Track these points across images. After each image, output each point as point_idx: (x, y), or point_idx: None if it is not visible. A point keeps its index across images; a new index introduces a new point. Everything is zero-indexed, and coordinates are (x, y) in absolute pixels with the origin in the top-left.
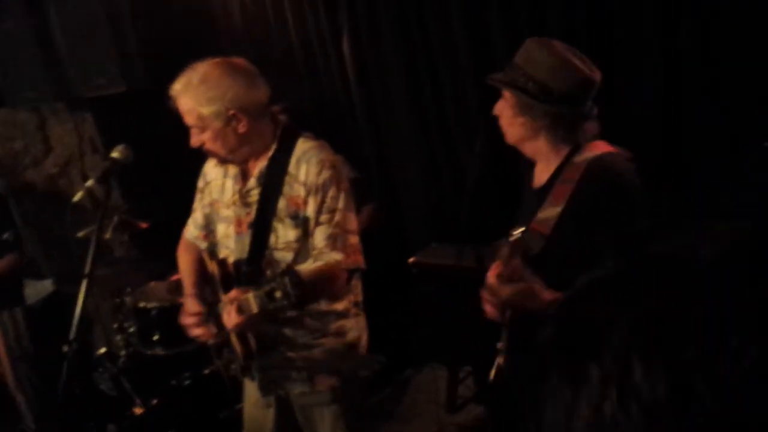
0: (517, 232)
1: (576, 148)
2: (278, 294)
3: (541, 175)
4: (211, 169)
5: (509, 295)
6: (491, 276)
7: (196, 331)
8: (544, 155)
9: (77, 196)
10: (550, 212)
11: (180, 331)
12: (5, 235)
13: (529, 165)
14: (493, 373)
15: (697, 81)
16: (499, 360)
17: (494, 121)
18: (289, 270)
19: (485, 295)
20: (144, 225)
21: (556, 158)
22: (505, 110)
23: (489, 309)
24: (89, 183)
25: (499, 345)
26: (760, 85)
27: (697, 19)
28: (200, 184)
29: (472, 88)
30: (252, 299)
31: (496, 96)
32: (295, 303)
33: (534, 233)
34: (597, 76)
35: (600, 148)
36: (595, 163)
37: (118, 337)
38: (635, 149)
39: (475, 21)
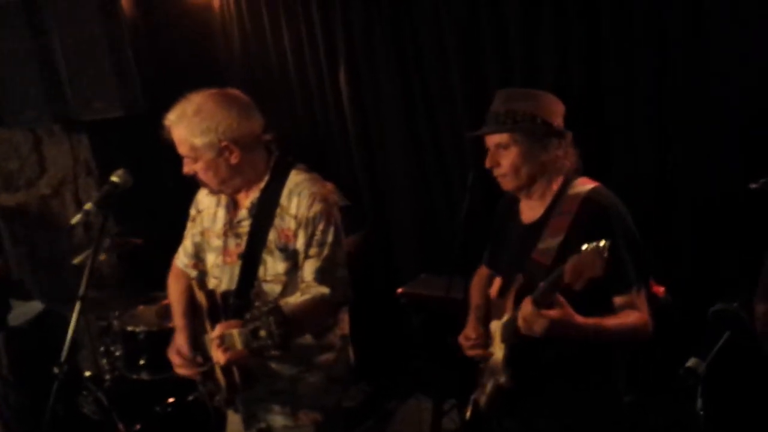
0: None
1: (566, 182)
2: (262, 333)
3: (532, 212)
4: (204, 198)
5: (550, 321)
6: (526, 308)
7: (181, 371)
8: (539, 192)
9: (75, 219)
10: (550, 243)
11: (166, 357)
12: None
13: (512, 201)
14: (469, 411)
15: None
16: (475, 396)
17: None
18: (275, 309)
19: (467, 339)
20: (137, 241)
21: (549, 193)
22: (507, 158)
23: (472, 352)
24: (88, 206)
25: (481, 381)
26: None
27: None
28: (192, 212)
29: (466, 119)
30: (236, 336)
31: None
32: (279, 343)
33: (535, 264)
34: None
35: (587, 182)
36: (590, 195)
37: (104, 361)
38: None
39: (471, 53)
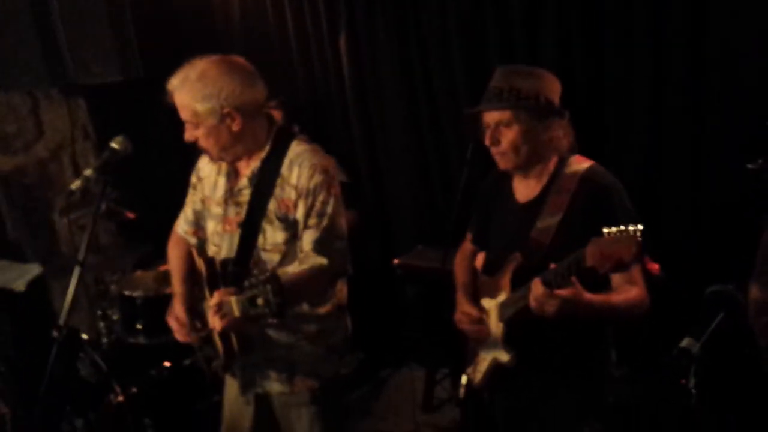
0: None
1: (561, 161)
2: (260, 301)
3: (528, 191)
4: (205, 166)
5: (562, 301)
6: (537, 289)
7: (180, 335)
8: (537, 171)
9: (75, 184)
10: (548, 222)
11: (163, 321)
12: None
13: (501, 179)
14: (462, 389)
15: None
16: (468, 373)
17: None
18: (272, 276)
19: (465, 315)
20: (131, 215)
21: (546, 172)
22: (507, 137)
23: (469, 328)
24: (88, 172)
25: (475, 359)
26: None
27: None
28: (193, 179)
29: (466, 92)
30: (234, 303)
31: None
32: (276, 311)
33: (534, 243)
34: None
35: (582, 161)
36: (588, 174)
37: (102, 324)
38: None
39: (471, 23)
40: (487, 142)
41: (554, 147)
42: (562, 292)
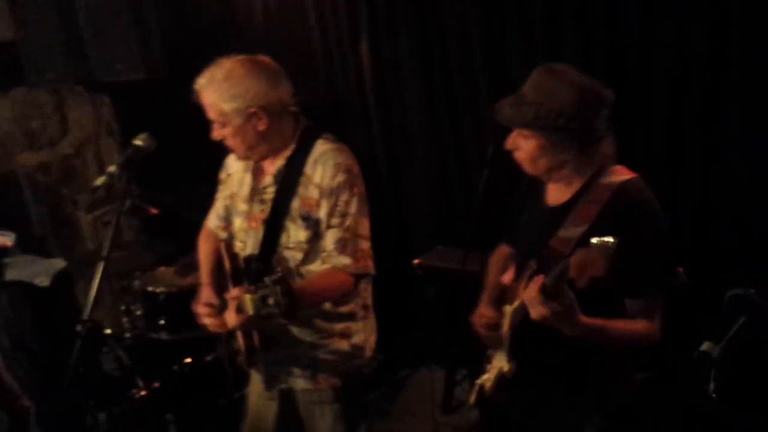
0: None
1: (600, 170)
2: (271, 301)
3: (559, 194)
4: (233, 162)
5: (551, 311)
6: (533, 289)
7: (207, 321)
8: (565, 180)
9: (99, 180)
10: (572, 232)
11: (186, 317)
12: None
13: (537, 181)
14: (474, 395)
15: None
16: (481, 381)
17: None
18: (281, 279)
19: (481, 317)
20: (154, 211)
21: (578, 179)
22: (525, 147)
23: (484, 332)
24: (112, 168)
25: (487, 367)
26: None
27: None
28: (222, 175)
29: (486, 94)
30: (248, 301)
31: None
32: (284, 312)
33: (552, 252)
34: (610, 93)
35: (623, 172)
36: (625, 187)
37: (125, 319)
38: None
39: (492, 26)
40: (508, 145)
41: (585, 161)
42: (552, 306)
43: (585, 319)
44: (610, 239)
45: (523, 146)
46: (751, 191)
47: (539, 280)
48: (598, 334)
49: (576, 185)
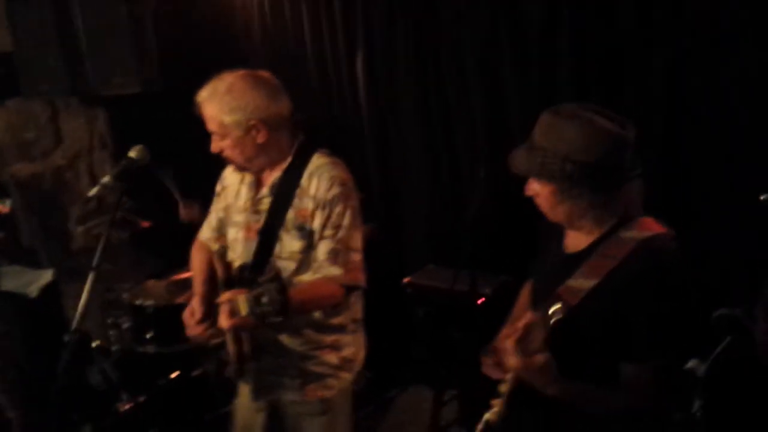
0: (556, 308)
1: (623, 221)
2: (265, 299)
3: (577, 242)
4: (229, 175)
5: (523, 367)
6: (509, 341)
7: (194, 330)
8: (586, 229)
9: (92, 191)
10: (581, 284)
11: (173, 331)
12: None
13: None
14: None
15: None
16: (488, 416)
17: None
18: (276, 276)
19: (492, 357)
20: (145, 224)
21: (598, 228)
22: (542, 194)
23: (491, 371)
24: (105, 179)
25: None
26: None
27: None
28: (218, 188)
29: (481, 113)
30: (241, 302)
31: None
32: (279, 310)
33: (557, 300)
34: (631, 131)
35: (650, 226)
36: (649, 244)
37: (112, 332)
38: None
39: (487, 41)
40: (527, 192)
41: (605, 209)
42: (524, 359)
43: (562, 382)
44: (556, 305)
45: (540, 193)
46: (739, 214)
47: (519, 330)
48: (577, 399)
49: (595, 234)
